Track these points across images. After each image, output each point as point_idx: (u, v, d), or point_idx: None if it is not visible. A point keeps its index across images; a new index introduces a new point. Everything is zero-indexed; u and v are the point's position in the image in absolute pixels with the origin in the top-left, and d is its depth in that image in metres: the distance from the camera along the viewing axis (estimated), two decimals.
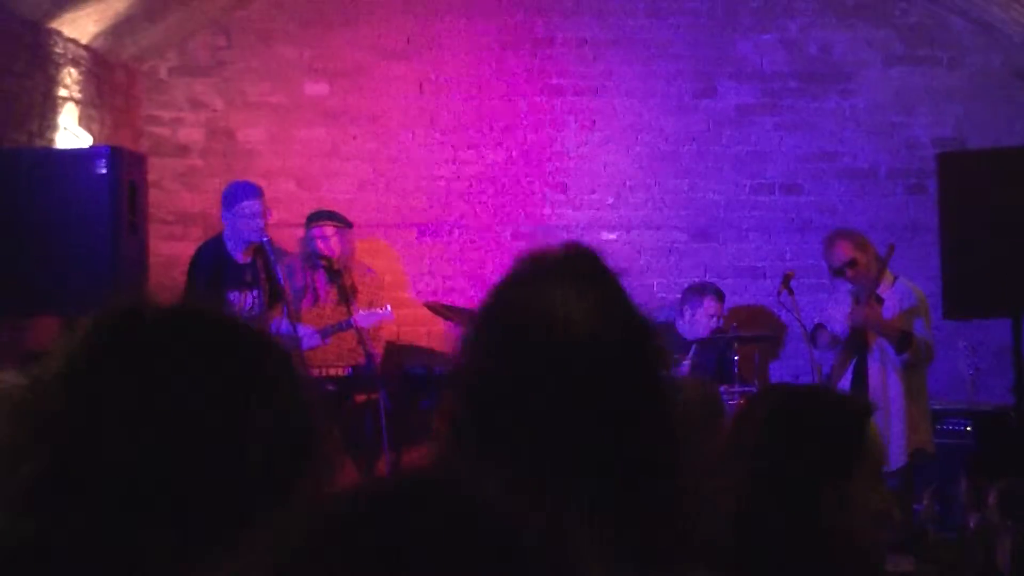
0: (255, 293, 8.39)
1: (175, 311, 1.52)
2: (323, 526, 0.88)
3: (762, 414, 3.15)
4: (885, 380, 8.15)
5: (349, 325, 8.66)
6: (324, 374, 8.67)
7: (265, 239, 8.22)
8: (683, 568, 1.79)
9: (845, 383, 8.20)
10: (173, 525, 1.37)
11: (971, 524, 5.24)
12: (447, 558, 0.85)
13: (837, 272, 8.37)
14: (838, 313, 8.37)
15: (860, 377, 8.18)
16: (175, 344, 1.46)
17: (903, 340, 8.09)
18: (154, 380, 1.42)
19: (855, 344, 8.22)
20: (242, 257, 8.39)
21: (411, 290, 9.83)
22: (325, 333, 8.71)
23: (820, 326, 8.54)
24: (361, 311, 8.77)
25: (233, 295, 8.32)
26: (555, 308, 1.83)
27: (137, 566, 1.36)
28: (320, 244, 8.91)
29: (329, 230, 8.97)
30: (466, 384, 1.88)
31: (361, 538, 0.86)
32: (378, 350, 9.09)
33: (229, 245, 8.39)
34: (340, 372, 8.79)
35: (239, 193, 8.41)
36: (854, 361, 8.25)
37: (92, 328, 1.49)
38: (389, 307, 8.85)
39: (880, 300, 8.14)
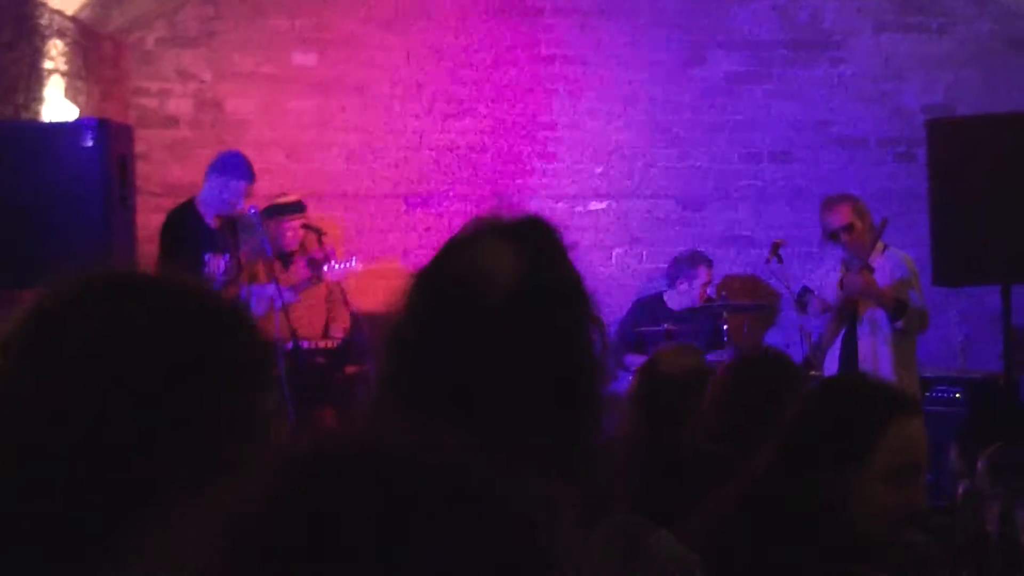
0: (226, 257, 8.42)
1: (140, 279, 1.51)
2: (260, 498, 0.88)
3: (806, 395, 3.17)
4: (876, 350, 8.15)
5: (319, 279, 8.70)
6: (314, 346, 8.67)
7: (253, 211, 8.31)
8: (604, 512, 1.85)
9: (834, 352, 8.20)
10: (133, 496, 1.36)
11: (960, 491, 5.24)
12: (382, 522, 0.84)
13: (832, 235, 8.29)
14: (828, 281, 8.36)
15: (850, 346, 8.18)
16: (137, 312, 1.45)
17: (898, 308, 8.09)
18: (116, 350, 1.41)
19: (846, 313, 8.22)
20: (213, 222, 8.44)
21: (401, 261, 9.81)
22: (297, 289, 8.72)
23: (807, 290, 8.52)
24: (329, 265, 8.79)
25: (208, 257, 8.36)
26: (485, 264, 1.91)
27: (97, 540, 1.35)
28: (290, 236, 8.96)
29: (298, 222, 9.02)
30: (398, 338, 1.93)
31: (296, 511, 0.86)
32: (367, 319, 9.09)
33: (202, 209, 8.43)
34: (330, 344, 8.79)
35: (235, 170, 8.42)
36: (844, 330, 8.24)
37: (52, 298, 1.48)
38: (356, 259, 8.83)
39: (871, 269, 8.13)
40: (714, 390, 4.10)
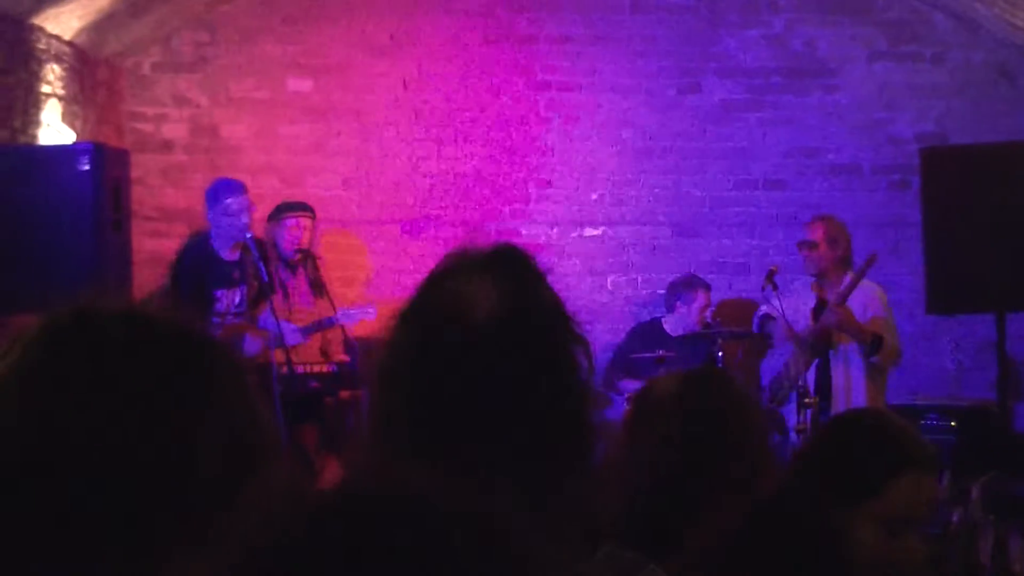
0: (242, 290, 8.36)
1: (126, 315, 1.50)
2: (267, 548, 0.88)
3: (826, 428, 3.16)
4: (849, 383, 8.15)
5: (332, 323, 8.65)
6: (308, 371, 8.66)
7: (249, 236, 8.20)
8: (589, 546, 1.86)
9: (807, 381, 8.13)
10: (121, 532, 1.36)
11: (954, 520, 5.25)
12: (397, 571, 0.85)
13: (799, 245, 8.49)
14: (802, 309, 8.34)
15: (824, 378, 8.16)
16: (124, 350, 1.44)
17: (875, 343, 8.10)
18: (102, 386, 1.41)
19: (820, 345, 8.20)
20: (228, 254, 8.34)
21: (396, 287, 9.81)
22: (307, 331, 8.67)
23: (768, 317, 8.53)
24: (344, 308, 8.77)
25: (220, 292, 8.29)
26: (464, 297, 1.92)
27: (84, 573, 1.35)
28: (298, 234, 8.89)
29: (306, 221, 8.96)
30: (385, 374, 1.95)
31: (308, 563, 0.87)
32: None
33: (215, 243, 8.34)
34: (324, 369, 8.78)
35: (222, 191, 8.36)
36: (817, 361, 8.22)
37: (41, 332, 1.48)
38: (373, 307, 8.75)
39: (824, 305, 8.15)
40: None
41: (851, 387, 8.11)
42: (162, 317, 1.52)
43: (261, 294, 8.35)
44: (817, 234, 8.32)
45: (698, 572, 2.82)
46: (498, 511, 0.92)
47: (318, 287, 8.92)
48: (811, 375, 8.17)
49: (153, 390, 1.42)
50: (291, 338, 8.37)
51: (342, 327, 8.60)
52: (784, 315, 8.44)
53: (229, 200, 8.24)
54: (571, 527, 1.85)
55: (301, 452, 8.35)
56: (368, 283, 9.90)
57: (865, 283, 8.21)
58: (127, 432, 1.38)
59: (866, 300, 8.21)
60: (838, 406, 7.93)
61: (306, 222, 8.95)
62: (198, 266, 8.29)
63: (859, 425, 3.10)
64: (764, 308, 8.71)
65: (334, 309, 8.77)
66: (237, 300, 8.35)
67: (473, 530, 0.89)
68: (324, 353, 8.98)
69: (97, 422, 1.38)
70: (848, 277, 8.27)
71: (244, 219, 8.23)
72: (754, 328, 8.69)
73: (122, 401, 1.40)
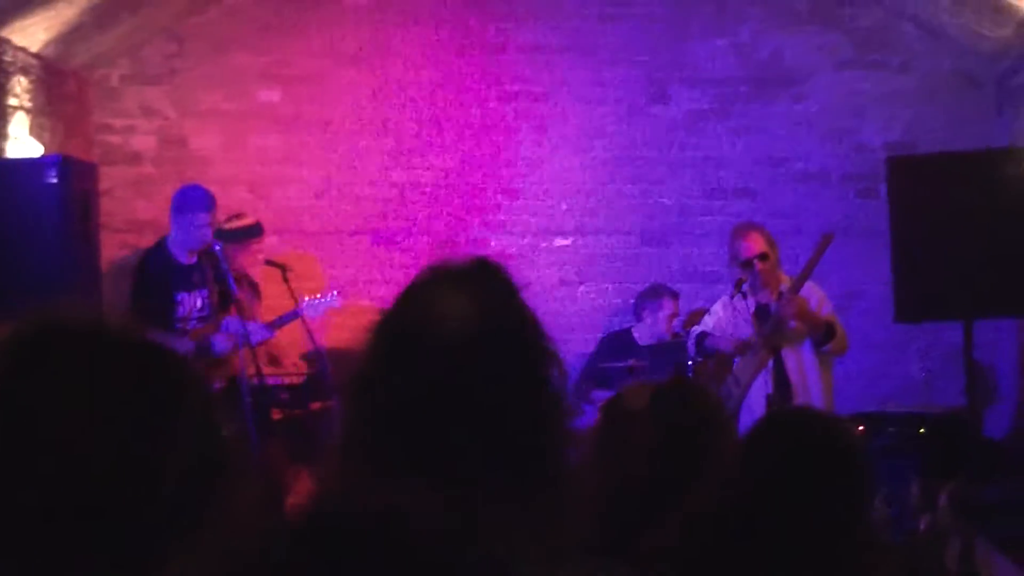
0: (203, 293, 8.37)
1: (91, 329, 1.50)
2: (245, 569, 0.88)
3: (778, 448, 3.18)
4: (804, 377, 8.13)
5: (297, 315, 8.62)
6: (280, 382, 8.65)
7: (217, 247, 8.20)
8: (564, 551, 1.87)
9: (759, 384, 8.08)
10: (89, 546, 1.36)
11: (922, 526, 5.27)
12: None
13: (745, 264, 8.17)
14: (737, 319, 8.24)
15: (780, 376, 8.11)
16: (90, 364, 1.44)
17: (828, 331, 8.10)
18: (67, 400, 1.41)
19: (775, 340, 8.11)
20: (186, 259, 8.36)
21: (366, 298, 9.80)
22: (273, 325, 8.65)
23: (705, 334, 8.42)
24: (308, 299, 8.73)
25: (181, 296, 8.29)
26: (439, 311, 1.95)
27: None
28: (252, 257, 8.97)
29: (260, 244, 9.04)
30: (360, 387, 1.97)
31: None
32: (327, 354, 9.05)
33: (173, 248, 8.35)
34: (295, 380, 8.77)
35: (193, 204, 8.33)
36: (771, 362, 8.15)
37: (7, 345, 1.48)
38: (336, 294, 8.80)
39: (780, 296, 8.12)
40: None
41: (806, 380, 8.10)
42: (127, 330, 1.52)
43: (224, 299, 8.34)
44: (761, 245, 8.24)
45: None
46: (473, 525, 0.92)
47: (255, 290, 8.98)
48: (764, 376, 8.09)
49: (118, 404, 1.42)
50: (258, 335, 8.34)
51: (304, 320, 8.56)
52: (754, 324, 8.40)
53: (200, 215, 8.23)
54: (545, 538, 1.86)
55: (270, 465, 8.33)
56: (338, 293, 9.88)
57: (807, 283, 8.15)
58: (92, 445, 1.38)
59: (806, 292, 8.16)
60: (797, 400, 7.93)
61: (260, 244, 9.04)
62: (160, 272, 8.30)
63: (823, 439, 3.12)
64: (695, 329, 8.60)
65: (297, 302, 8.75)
66: (199, 304, 8.34)
67: (447, 545, 0.89)
68: (273, 360, 8.96)
69: (63, 435, 1.38)
70: (783, 282, 8.24)
71: (208, 232, 8.25)
72: (690, 354, 8.51)
73: (87, 415, 1.40)
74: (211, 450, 1.46)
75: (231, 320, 8.27)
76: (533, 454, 1.92)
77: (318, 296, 8.80)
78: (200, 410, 1.48)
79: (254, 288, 9.08)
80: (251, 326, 8.28)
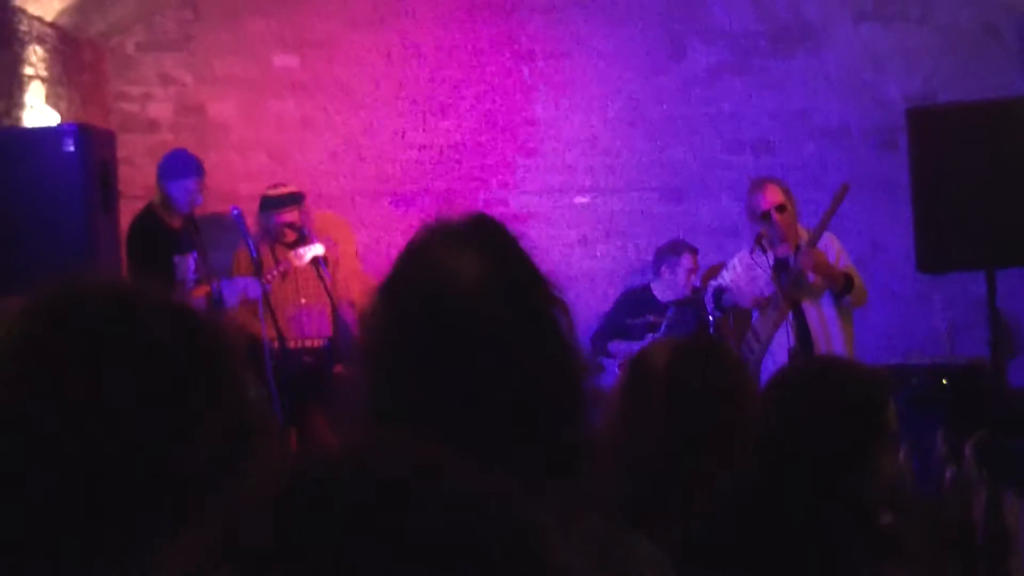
0: (194, 255, 8.44)
1: (116, 291, 1.50)
2: (258, 513, 0.87)
3: (798, 389, 3.21)
4: (827, 330, 8.12)
5: (286, 269, 8.63)
6: (301, 346, 8.66)
7: (236, 212, 8.29)
8: (579, 515, 1.86)
9: (779, 337, 8.07)
10: (117, 516, 1.35)
11: (947, 477, 5.26)
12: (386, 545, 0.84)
13: (763, 216, 8.19)
14: (755, 275, 8.23)
15: (802, 329, 8.09)
16: (115, 328, 1.44)
17: (847, 283, 8.08)
18: (95, 364, 1.40)
19: (795, 293, 8.09)
20: (175, 223, 8.52)
21: (386, 260, 9.75)
22: (264, 282, 8.66)
23: (722, 289, 8.41)
24: (293, 251, 8.72)
25: (176, 259, 8.38)
26: (445, 269, 1.94)
27: (83, 558, 1.34)
28: (289, 230, 8.93)
29: (294, 215, 8.99)
30: (371, 352, 1.97)
31: (297, 527, 0.85)
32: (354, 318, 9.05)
33: (161, 212, 8.50)
34: (317, 344, 8.78)
35: (182, 169, 8.51)
36: (791, 315, 8.12)
37: (31, 312, 1.47)
38: (319, 243, 8.77)
39: (799, 249, 8.09)
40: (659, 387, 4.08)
41: (828, 332, 8.09)
42: (150, 293, 1.51)
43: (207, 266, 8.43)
44: (779, 196, 8.23)
45: (690, 542, 2.83)
46: (495, 486, 0.91)
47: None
48: (784, 329, 8.08)
49: (154, 363, 1.41)
50: (252, 290, 8.35)
51: (327, 292, 8.57)
52: (738, 282, 8.34)
53: (189, 180, 8.45)
54: (567, 498, 1.85)
55: (311, 434, 8.36)
56: (358, 257, 9.88)
57: (824, 235, 8.14)
58: (122, 411, 1.37)
59: (824, 245, 8.15)
60: (819, 351, 7.92)
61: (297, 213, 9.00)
62: (153, 237, 8.42)
63: (836, 383, 3.15)
64: (712, 284, 8.59)
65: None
66: (192, 266, 8.42)
67: (474, 507, 0.88)
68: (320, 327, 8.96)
69: (91, 401, 1.37)
70: (802, 235, 8.23)
71: (198, 200, 8.48)
72: (708, 309, 8.49)
73: (115, 380, 1.39)
74: (244, 410, 1.46)
75: (237, 279, 8.36)
76: (552, 411, 1.91)
77: (305, 247, 8.76)
78: (232, 370, 1.48)
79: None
80: (241, 282, 8.35)
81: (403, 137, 10.09)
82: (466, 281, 1.92)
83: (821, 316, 8.12)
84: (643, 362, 4.01)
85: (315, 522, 0.84)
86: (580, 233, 10.08)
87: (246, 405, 1.47)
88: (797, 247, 8.13)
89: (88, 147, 7.38)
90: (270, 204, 8.93)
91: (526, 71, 10.10)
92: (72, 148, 7.32)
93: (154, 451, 1.38)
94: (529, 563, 0.86)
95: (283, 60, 10.08)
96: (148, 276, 8.05)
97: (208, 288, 8.33)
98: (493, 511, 0.88)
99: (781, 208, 8.16)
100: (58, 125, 8.28)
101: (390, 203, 10.07)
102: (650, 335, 8.72)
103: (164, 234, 8.44)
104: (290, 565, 0.83)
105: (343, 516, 0.85)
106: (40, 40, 8.54)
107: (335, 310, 8.67)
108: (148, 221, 8.53)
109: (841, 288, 8.06)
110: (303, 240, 8.80)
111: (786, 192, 8.26)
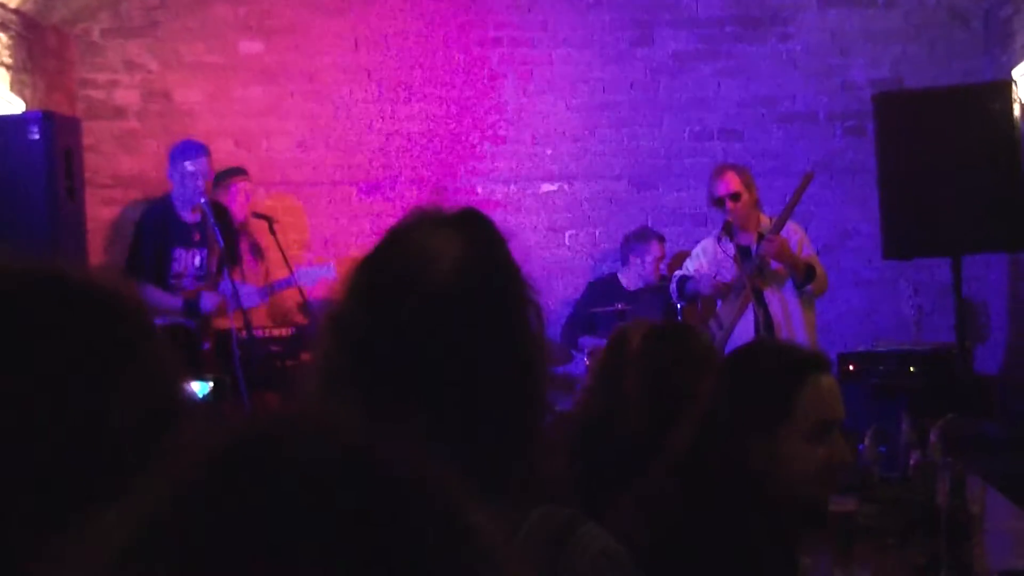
0: (203, 252, 8.39)
1: (27, 271, 1.48)
2: (191, 479, 0.86)
3: (726, 363, 3.27)
4: (788, 316, 8.15)
5: (290, 283, 8.61)
6: (267, 335, 8.64)
7: (203, 200, 8.20)
8: (528, 502, 1.87)
9: (744, 325, 8.11)
10: (31, 496, 1.34)
11: (912, 463, 5.29)
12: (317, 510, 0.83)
13: (717, 202, 8.28)
14: (719, 260, 8.28)
15: (765, 316, 8.12)
16: (30, 306, 1.42)
17: (808, 272, 8.10)
18: (7, 342, 1.39)
19: (758, 279, 8.13)
20: (189, 216, 8.42)
21: (353, 248, 9.78)
22: (265, 292, 8.69)
23: (686, 278, 8.47)
24: (302, 267, 8.75)
25: (178, 252, 8.35)
26: (429, 251, 1.95)
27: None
28: (239, 201, 8.96)
29: (248, 185, 9.05)
30: (339, 325, 1.97)
31: (231, 488, 0.84)
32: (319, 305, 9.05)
33: (176, 204, 8.41)
34: (284, 333, 8.77)
35: (180, 152, 8.45)
36: (752, 303, 8.16)
37: None
38: (332, 265, 8.81)
39: (762, 236, 8.12)
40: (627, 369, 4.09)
41: (791, 320, 8.12)
42: (72, 274, 1.49)
43: (228, 259, 8.34)
44: (735, 184, 8.26)
45: (638, 522, 2.84)
46: (434, 469, 0.90)
47: (258, 251, 9.00)
48: (748, 317, 8.12)
49: (58, 353, 1.40)
50: (248, 300, 8.35)
51: (299, 289, 8.56)
52: (741, 265, 8.40)
53: (186, 163, 8.34)
54: (516, 488, 1.86)
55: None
56: (325, 245, 9.86)
57: (788, 224, 8.17)
58: (33, 392, 1.36)
59: (789, 236, 8.18)
60: (782, 337, 7.94)
61: (248, 186, 9.06)
62: (159, 226, 8.34)
63: (748, 360, 3.20)
64: (677, 273, 8.64)
65: (268, 275, 8.82)
66: (197, 262, 8.38)
67: (398, 491, 0.87)
68: (283, 318, 8.98)
69: (2, 385, 1.36)
70: (764, 222, 8.26)
71: (199, 182, 8.28)
72: (673, 297, 8.58)
73: (28, 360, 1.38)
74: (161, 402, 1.44)
75: (225, 283, 8.27)
76: (515, 401, 1.91)
77: (314, 265, 8.82)
78: (152, 360, 1.46)
79: (257, 250, 9.10)
80: (244, 289, 8.31)
81: (370, 124, 10.06)
82: (445, 264, 1.93)
83: (783, 303, 8.14)
84: (619, 341, 4.03)
85: (235, 499, 0.83)
86: (548, 220, 10.08)
87: (166, 396, 1.45)
88: (760, 235, 8.15)
89: (53, 135, 7.35)
90: (226, 174, 9.02)
91: (493, 58, 10.08)
92: (37, 136, 7.29)
93: (57, 444, 1.36)
94: (452, 547, 0.85)
95: (249, 46, 10.04)
96: (131, 265, 8.11)
97: (213, 286, 8.33)
98: (417, 496, 0.87)
99: (736, 196, 8.19)
100: (23, 113, 8.24)
101: (358, 190, 10.05)
102: (621, 323, 8.74)
103: (171, 225, 8.38)
104: (213, 545, 0.82)
105: (266, 497, 0.84)
106: (4, 27, 8.48)
107: (304, 300, 8.64)
108: (156, 210, 8.50)
109: (803, 277, 8.08)
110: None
111: (746, 180, 8.27)
